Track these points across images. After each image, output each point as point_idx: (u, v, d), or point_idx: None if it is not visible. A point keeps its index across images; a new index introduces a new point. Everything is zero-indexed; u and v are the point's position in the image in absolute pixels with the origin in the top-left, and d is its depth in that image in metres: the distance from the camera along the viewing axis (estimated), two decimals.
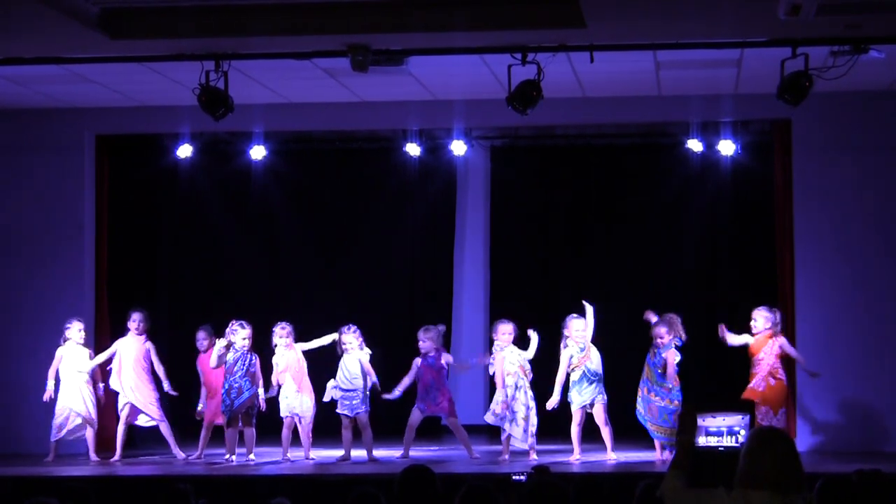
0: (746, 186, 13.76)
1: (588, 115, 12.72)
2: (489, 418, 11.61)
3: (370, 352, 11.73)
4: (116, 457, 11.93)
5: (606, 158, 14.42)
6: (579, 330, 11.47)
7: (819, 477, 5.81)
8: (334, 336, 11.69)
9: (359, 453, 11.70)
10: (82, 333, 11.96)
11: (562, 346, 11.51)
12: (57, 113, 12.86)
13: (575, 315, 11.53)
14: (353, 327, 11.73)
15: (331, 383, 11.69)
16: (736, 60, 10.84)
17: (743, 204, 13.92)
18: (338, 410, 11.68)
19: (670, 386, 11.21)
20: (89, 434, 11.98)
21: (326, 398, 11.70)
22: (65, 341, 11.93)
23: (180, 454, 11.94)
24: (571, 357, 11.45)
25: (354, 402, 11.61)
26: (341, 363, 11.69)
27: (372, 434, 11.65)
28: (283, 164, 14.46)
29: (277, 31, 9.41)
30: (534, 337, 11.51)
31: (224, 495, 9.88)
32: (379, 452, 11.73)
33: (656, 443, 11.32)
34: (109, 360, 12.04)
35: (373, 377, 11.66)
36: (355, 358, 11.65)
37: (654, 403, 11.21)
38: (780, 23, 8.89)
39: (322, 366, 12.02)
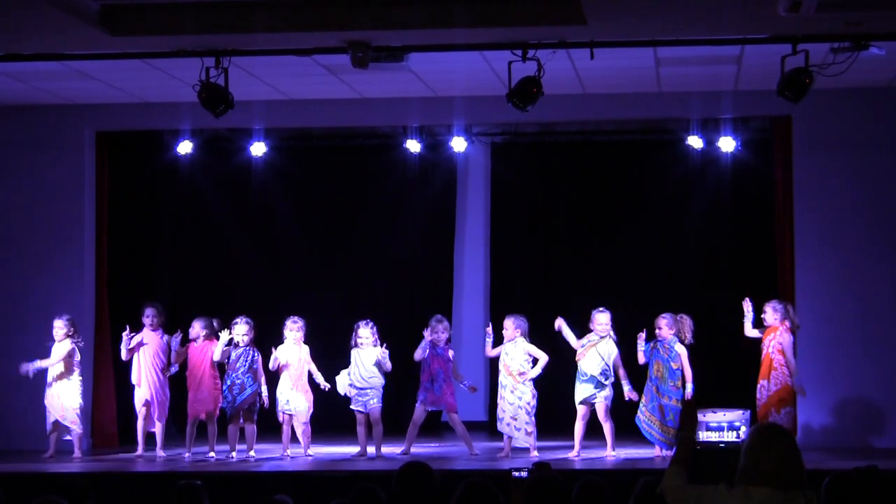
0: (747, 183, 13.77)
1: (588, 111, 12.72)
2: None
3: (386, 350, 11.68)
4: (139, 451, 11.87)
5: (606, 155, 14.43)
6: (601, 324, 11.42)
7: (819, 473, 5.81)
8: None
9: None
10: (63, 331, 11.85)
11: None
12: (57, 109, 12.85)
13: (602, 308, 11.52)
14: (370, 322, 11.70)
15: (343, 378, 11.66)
16: (736, 57, 10.84)
17: (743, 200, 13.93)
18: (352, 406, 11.65)
19: (678, 383, 11.20)
20: (74, 435, 11.91)
21: (341, 391, 11.66)
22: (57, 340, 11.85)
23: (161, 454, 11.80)
24: (581, 345, 11.43)
25: (368, 398, 11.58)
26: (355, 358, 11.64)
27: (382, 430, 11.64)
28: (283, 160, 14.46)
29: (277, 28, 9.42)
30: (542, 359, 11.47)
31: (225, 492, 9.88)
32: (384, 449, 11.68)
33: (656, 446, 11.32)
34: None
35: (386, 366, 11.57)
36: (371, 354, 11.61)
37: (662, 402, 11.17)
38: (780, 19, 8.90)
39: (335, 357, 12.10)
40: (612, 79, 11.70)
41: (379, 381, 11.63)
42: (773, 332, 11.40)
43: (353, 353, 11.65)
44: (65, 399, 11.83)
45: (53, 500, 5.84)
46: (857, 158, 12.30)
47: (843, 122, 12.29)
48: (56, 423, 11.87)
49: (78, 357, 11.94)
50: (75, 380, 11.88)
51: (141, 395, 11.90)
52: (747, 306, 11.44)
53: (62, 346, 11.86)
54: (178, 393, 12.10)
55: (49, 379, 11.86)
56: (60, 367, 11.85)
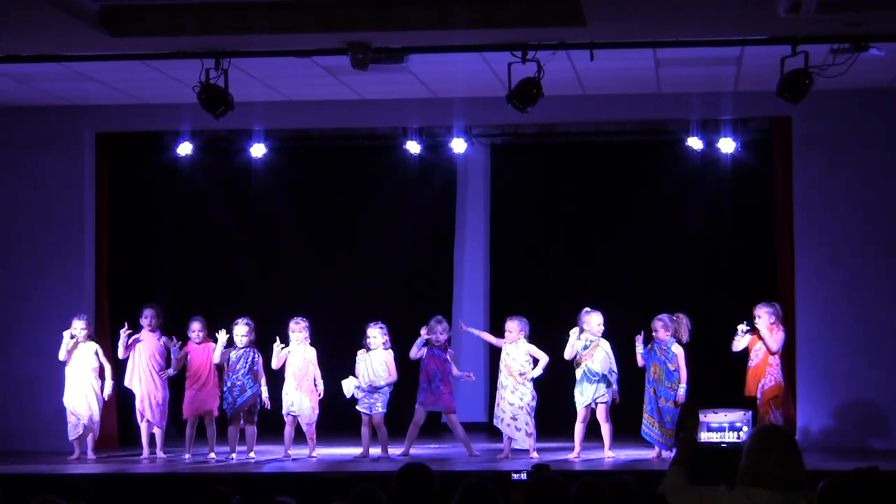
0: (746, 184, 13.77)
1: (588, 112, 12.72)
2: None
3: (392, 352, 11.68)
4: (145, 454, 11.87)
5: (606, 156, 14.44)
6: (599, 324, 11.40)
7: (819, 474, 5.81)
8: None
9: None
10: (84, 332, 11.86)
11: (575, 335, 11.39)
12: (57, 110, 12.85)
13: (588, 309, 11.50)
14: (379, 323, 11.69)
15: (350, 381, 11.64)
16: (736, 58, 10.84)
17: (743, 201, 13.92)
18: (357, 407, 11.65)
19: (674, 385, 11.19)
20: (88, 437, 11.91)
21: (347, 394, 11.65)
22: (72, 337, 11.79)
23: (161, 455, 11.78)
24: (577, 352, 11.40)
25: (374, 401, 11.56)
26: (365, 359, 11.60)
27: (387, 432, 11.63)
28: (283, 161, 14.46)
29: (277, 29, 9.42)
30: (542, 359, 11.46)
31: None
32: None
33: (655, 448, 11.32)
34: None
35: (390, 371, 11.56)
36: (380, 357, 11.59)
37: (659, 404, 11.18)
38: (780, 20, 8.90)
39: (334, 357, 12.10)
40: (611, 80, 11.70)
41: (387, 384, 11.61)
42: (758, 342, 11.40)
43: (360, 354, 11.62)
44: (92, 401, 11.81)
45: (52, 500, 5.85)
46: (857, 159, 12.30)
47: (843, 123, 12.29)
48: (84, 427, 11.80)
49: None
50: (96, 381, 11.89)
51: (137, 397, 11.88)
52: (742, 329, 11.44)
53: (90, 345, 11.84)
54: (177, 393, 12.10)
55: (77, 381, 11.78)
56: (87, 369, 11.81)
